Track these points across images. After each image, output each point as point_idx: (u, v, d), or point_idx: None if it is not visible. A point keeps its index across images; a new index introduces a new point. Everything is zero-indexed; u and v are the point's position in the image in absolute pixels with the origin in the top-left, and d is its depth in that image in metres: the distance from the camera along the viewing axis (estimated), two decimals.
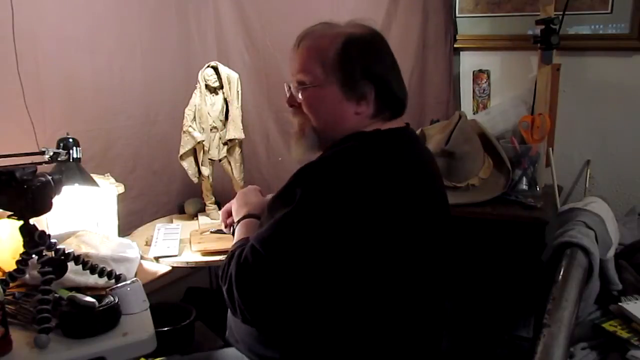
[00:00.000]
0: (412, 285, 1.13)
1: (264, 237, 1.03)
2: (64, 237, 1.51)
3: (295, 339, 1.11)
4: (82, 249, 1.46)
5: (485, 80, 2.14)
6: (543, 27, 1.84)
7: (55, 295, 1.21)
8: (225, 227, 1.35)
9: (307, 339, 1.10)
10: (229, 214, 1.34)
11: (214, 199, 2.09)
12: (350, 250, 1.02)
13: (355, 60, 1.10)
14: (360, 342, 1.09)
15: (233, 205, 1.33)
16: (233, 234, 1.26)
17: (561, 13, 1.86)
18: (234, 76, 1.98)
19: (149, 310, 1.28)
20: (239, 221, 1.25)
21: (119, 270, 1.44)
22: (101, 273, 1.37)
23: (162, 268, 1.69)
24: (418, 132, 1.97)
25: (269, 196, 1.25)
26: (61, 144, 1.45)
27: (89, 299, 1.17)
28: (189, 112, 1.96)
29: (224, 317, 1.28)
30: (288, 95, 1.19)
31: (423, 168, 1.19)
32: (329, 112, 1.13)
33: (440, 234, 1.20)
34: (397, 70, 1.17)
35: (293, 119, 1.20)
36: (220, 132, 2.00)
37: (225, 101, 2.00)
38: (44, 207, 1.20)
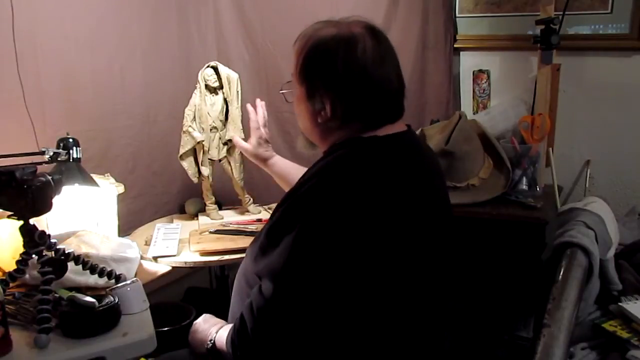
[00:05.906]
0: (417, 290, 1.12)
1: (277, 269, 1.01)
2: (64, 237, 1.51)
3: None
4: (82, 249, 1.45)
5: (485, 80, 2.14)
6: (543, 27, 1.84)
7: (55, 295, 1.21)
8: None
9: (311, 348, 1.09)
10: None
11: (214, 199, 2.09)
12: (359, 263, 1.01)
13: None
14: (364, 344, 1.09)
15: (197, 335, 1.25)
16: (212, 351, 1.16)
17: (561, 13, 1.86)
18: (234, 76, 1.98)
19: (149, 310, 1.28)
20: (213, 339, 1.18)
21: (119, 270, 1.44)
22: (101, 273, 1.36)
23: (162, 268, 1.69)
24: (418, 132, 1.98)
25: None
26: (61, 144, 1.45)
27: (89, 299, 1.17)
28: (189, 112, 1.96)
29: (224, 317, 1.28)
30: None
31: (421, 171, 1.17)
32: None
33: (443, 236, 1.19)
34: None
35: None
36: (220, 132, 2.00)
37: (225, 101, 2.00)
38: (44, 207, 1.19)
